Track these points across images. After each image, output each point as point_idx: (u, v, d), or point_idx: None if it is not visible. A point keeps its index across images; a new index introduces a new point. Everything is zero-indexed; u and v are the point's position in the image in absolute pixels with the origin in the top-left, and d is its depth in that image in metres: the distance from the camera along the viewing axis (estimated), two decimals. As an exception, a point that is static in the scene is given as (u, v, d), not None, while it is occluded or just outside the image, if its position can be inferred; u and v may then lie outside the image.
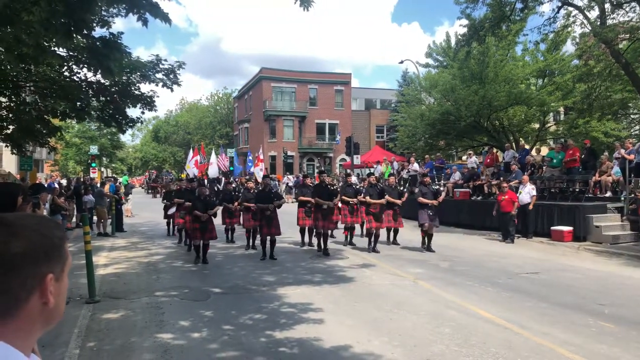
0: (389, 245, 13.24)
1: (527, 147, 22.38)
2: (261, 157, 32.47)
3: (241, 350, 5.40)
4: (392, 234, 13.59)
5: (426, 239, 12.34)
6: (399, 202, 12.72)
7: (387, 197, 12.29)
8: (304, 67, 64.93)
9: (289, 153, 45.71)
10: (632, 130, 27.44)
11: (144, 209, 24.52)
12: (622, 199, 14.14)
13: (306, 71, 51.43)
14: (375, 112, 52.48)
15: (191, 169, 30.60)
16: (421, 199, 12.37)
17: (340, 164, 46.88)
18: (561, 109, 27.73)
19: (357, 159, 25.22)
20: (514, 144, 24.32)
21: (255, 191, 13.01)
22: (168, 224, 16.28)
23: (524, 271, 9.72)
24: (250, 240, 12.83)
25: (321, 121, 50.03)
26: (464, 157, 29.73)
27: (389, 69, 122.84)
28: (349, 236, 13.51)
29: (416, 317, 6.56)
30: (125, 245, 13.99)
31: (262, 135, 48.39)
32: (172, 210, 14.70)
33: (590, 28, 17.41)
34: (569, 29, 21.61)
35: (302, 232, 13.31)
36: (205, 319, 6.60)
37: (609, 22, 16.77)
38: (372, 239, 12.11)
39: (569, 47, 25.55)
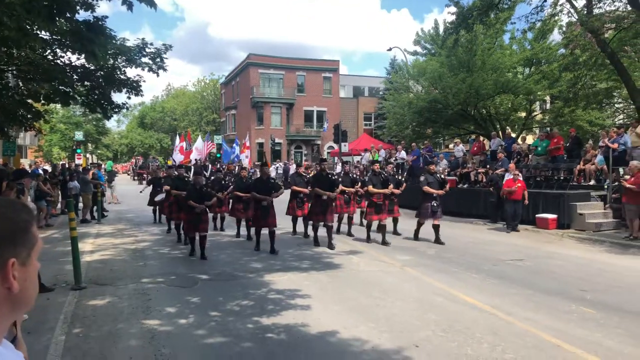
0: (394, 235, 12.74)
1: (513, 135, 22.56)
2: (247, 144, 32.37)
3: (228, 336, 5.41)
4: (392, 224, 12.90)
5: (432, 230, 11.55)
6: (397, 191, 11.83)
7: (391, 186, 11.51)
8: (293, 54, 64.37)
9: (277, 140, 45.54)
10: (616, 120, 27.71)
11: (130, 196, 24.33)
12: (606, 187, 14.33)
13: (294, 57, 51.11)
14: (363, 99, 52.42)
15: (176, 155, 30.34)
16: (427, 188, 11.46)
17: (328, 152, 46.80)
18: (547, 98, 27.88)
19: (345, 147, 25.20)
20: (500, 132, 24.47)
21: (250, 180, 12.66)
22: (154, 211, 16.02)
23: (509, 258, 9.84)
24: (244, 230, 12.49)
25: (309, 108, 49.89)
26: (451, 146, 29.88)
27: (377, 56, 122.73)
28: (347, 226, 13.10)
29: (403, 304, 6.62)
30: (111, 232, 13.90)
31: (250, 122, 48.16)
32: (160, 196, 14.22)
33: (577, 17, 17.45)
34: (556, 17, 21.63)
35: (294, 220, 13.05)
36: (192, 306, 6.60)
37: (596, 11, 16.83)
38: (381, 231, 11.36)
39: (555, 36, 25.64)
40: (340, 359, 4.82)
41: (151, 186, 16.17)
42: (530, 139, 25.57)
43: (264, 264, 9.26)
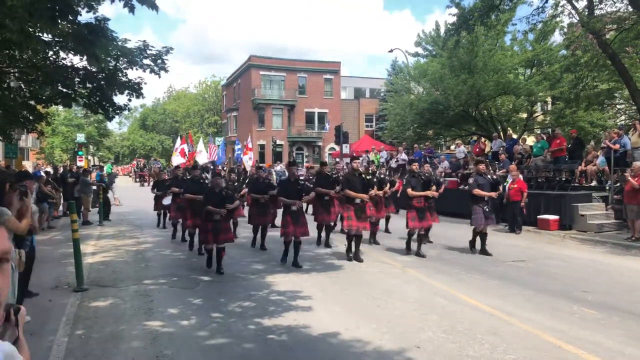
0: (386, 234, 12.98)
1: (514, 136, 22.55)
2: (250, 145, 32.36)
3: (230, 337, 5.43)
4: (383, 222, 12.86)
5: (478, 239, 10.41)
6: (436, 193, 10.39)
7: (433, 188, 10.29)
8: (294, 56, 64.47)
9: (278, 142, 45.57)
10: (618, 120, 27.68)
11: (132, 198, 24.36)
12: (607, 188, 14.32)
13: (295, 59, 51.22)
14: (364, 101, 52.45)
15: (177, 157, 30.27)
16: (477, 191, 10.16)
17: (329, 153, 46.83)
18: (549, 99, 27.91)
19: (346, 148, 25.19)
20: (501, 133, 24.49)
21: (266, 181, 11.90)
22: (159, 214, 15.01)
23: (510, 259, 9.83)
24: (259, 239, 11.13)
25: (310, 110, 49.93)
26: (452, 147, 29.86)
27: (379, 58, 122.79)
28: (369, 233, 11.35)
29: (404, 305, 6.63)
30: (113, 233, 13.93)
31: (251, 123, 48.21)
32: (167, 201, 13.16)
33: (578, 18, 17.46)
34: (557, 19, 21.66)
35: (320, 228, 11.67)
36: (194, 307, 6.62)
37: (597, 12, 16.84)
38: (418, 240, 10.12)
39: (557, 37, 25.66)
40: (342, 358, 4.82)
41: (156, 189, 14.99)
42: (530, 140, 25.56)
43: (265, 266, 9.27)
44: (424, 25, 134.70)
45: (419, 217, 9.87)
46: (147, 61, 13.35)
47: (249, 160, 29.93)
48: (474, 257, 10.02)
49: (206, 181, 11.64)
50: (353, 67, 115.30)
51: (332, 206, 11.15)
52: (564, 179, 15.12)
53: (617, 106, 27.25)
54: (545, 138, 17.68)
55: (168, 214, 13.77)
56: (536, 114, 28.24)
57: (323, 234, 11.55)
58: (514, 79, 24.44)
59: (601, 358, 4.76)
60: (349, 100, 52.63)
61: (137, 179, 43.80)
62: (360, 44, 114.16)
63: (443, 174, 18.57)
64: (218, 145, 36.43)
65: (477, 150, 20.21)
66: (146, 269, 9.06)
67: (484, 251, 10.23)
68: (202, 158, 29.47)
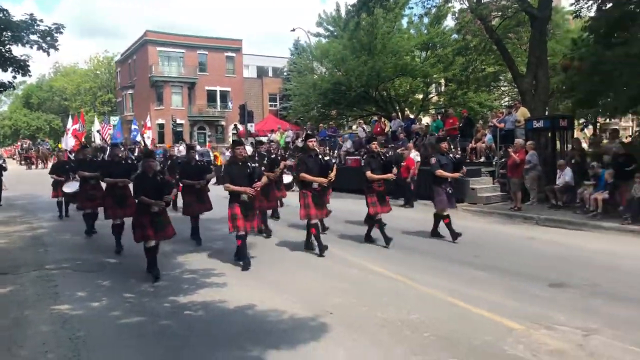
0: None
1: (412, 116, 23.75)
2: (148, 124, 31.15)
3: (145, 315, 5.42)
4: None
5: (438, 221, 9.78)
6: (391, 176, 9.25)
7: (394, 170, 9.43)
8: (194, 32, 62.30)
9: (178, 121, 44.14)
10: (502, 102, 30.05)
11: (19, 182, 22.59)
12: (494, 163, 15.63)
13: (195, 35, 49.59)
14: (267, 80, 52.16)
15: (68, 139, 28.42)
16: (441, 172, 9.40)
17: (233, 133, 46.26)
18: (442, 81, 29.52)
19: (251, 128, 25.11)
20: (400, 113, 25.65)
21: (203, 163, 10.78)
22: (60, 204, 12.81)
23: (409, 230, 10.47)
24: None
25: (212, 88, 48.81)
26: (354, 127, 30.81)
27: (281, 37, 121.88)
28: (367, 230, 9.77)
29: (317, 275, 6.96)
30: (3, 220, 12.94)
31: (149, 102, 46.25)
32: (70, 187, 11.46)
33: (467, 4, 18.66)
34: (450, 4, 23.00)
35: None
36: (104, 289, 6.48)
37: (484, -1, 18.12)
38: (381, 228, 8.96)
39: (449, 22, 27.14)
40: (259, 329, 5.02)
41: (55, 174, 12.75)
42: (426, 120, 27.02)
43: (175, 246, 9.12)
44: (325, 5, 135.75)
45: (379, 202, 8.97)
46: (34, 37, 12.44)
47: (147, 139, 28.84)
48: (377, 231, 10.52)
49: (129, 162, 9.93)
50: (256, 45, 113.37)
51: (271, 190, 10.05)
52: (457, 155, 16.27)
53: (502, 88, 29.60)
54: (439, 118, 18.84)
55: (76, 203, 12.04)
56: (431, 95, 29.80)
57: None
58: (410, 61, 25.57)
59: (486, 310, 5.39)
60: (252, 78, 52.08)
61: (23, 162, 40.53)
62: (262, 22, 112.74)
63: (346, 152, 19.20)
64: (114, 125, 34.68)
65: (378, 129, 21.06)
66: (46, 254, 8.63)
67: (453, 234, 9.36)
68: (96, 139, 27.96)
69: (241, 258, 7.58)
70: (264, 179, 7.90)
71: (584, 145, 19.58)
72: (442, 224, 9.69)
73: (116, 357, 4.42)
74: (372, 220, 9.27)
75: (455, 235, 9.33)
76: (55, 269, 7.48)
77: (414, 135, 18.15)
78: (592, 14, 15.89)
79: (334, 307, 5.58)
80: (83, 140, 26.66)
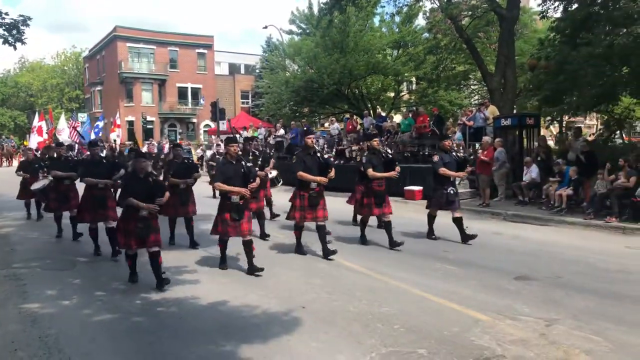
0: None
1: (383, 114, 23.98)
2: (118, 122, 30.55)
3: (117, 313, 5.40)
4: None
5: (431, 221, 9.30)
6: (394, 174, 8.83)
7: (398, 168, 8.93)
8: (164, 28, 61.44)
9: (149, 118, 43.55)
10: (472, 100, 30.58)
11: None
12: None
13: (165, 32, 48.92)
14: (240, 77, 51.83)
15: (34, 137, 27.54)
16: (444, 171, 8.83)
17: (204, 130, 45.84)
18: (413, 79, 29.85)
19: (223, 125, 24.95)
20: (371, 111, 25.86)
21: (190, 162, 9.87)
22: (27, 204, 12.21)
23: (379, 226, 10.55)
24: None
25: (183, 85, 48.26)
26: (326, 124, 30.87)
27: (253, 34, 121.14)
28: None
29: (289, 272, 7.01)
30: (-35, 218, 12.61)
31: (118, 98, 45.45)
32: (38, 185, 10.74)
33: (438, 4, 18.94)
34: (421, 3, 23.30)
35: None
36: (74, 287, 6.42)
37: (454, -1, 18.42)
38: (387, 229, 8.56)
39: (420, 21, 27.48)
40: (232, 324, 5.06)
41: (22, 171, 12.08)
42: (397, 118, 27.31)
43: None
44: (298, 2, 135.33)
45: (376, 203, 8.50)
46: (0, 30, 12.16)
47: (117, 138, 28.32)
48: (348, 227, 10.64)
49: (112, 161, 9.54)
50: (227, 42, 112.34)
51: (261, 189, 9.24)
52: (427, 153, 16.52)
53: (472, 86, 30.12)
54: (410, 115, 19.09)
55: (43, 204, 11.13)
56: (402, 93, 30.12)
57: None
58: (382, 59, 25.78)
59: (457, 303, 5.54)
60: (224, 75, 51.68)
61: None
62: (234, 19, 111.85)
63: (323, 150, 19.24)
64: (82, 122, 33.95)
65: (350, 127, 21.21)
66: (13, 253, 8.46)
67: (465, 237, 8.85)
68: (64, 137, 27.29)
69: (221, 262, 7.35)
70: (258, 180, 7.40)
71: (551, 142, 20.15)
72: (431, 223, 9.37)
73: (88, 354, 4.39)
74: (363, 224, 9.02)
75: (466, 237, 8.78)
76: (23, 268, 7.35)
77: (386, 133, 18.34)
78: (558, 14, 16.35)
79: (307, 302, 5.65)
80: (52, 138, 25.98)
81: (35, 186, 10.83)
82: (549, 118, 23.25)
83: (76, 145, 23.09)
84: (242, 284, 6.49)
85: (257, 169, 8.40)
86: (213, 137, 28.12)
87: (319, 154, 8.12)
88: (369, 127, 19.70)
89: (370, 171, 8.45)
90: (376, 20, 27.85)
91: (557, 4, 15.85)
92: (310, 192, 7.76)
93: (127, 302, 5.77)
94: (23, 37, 12.26)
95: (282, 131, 22.34)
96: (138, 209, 6.24)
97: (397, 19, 26.08)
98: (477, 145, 14.93)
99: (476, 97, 30.37)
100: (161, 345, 4.59)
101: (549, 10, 16.40)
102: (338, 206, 13.90)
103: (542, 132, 21.59)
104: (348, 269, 7.17)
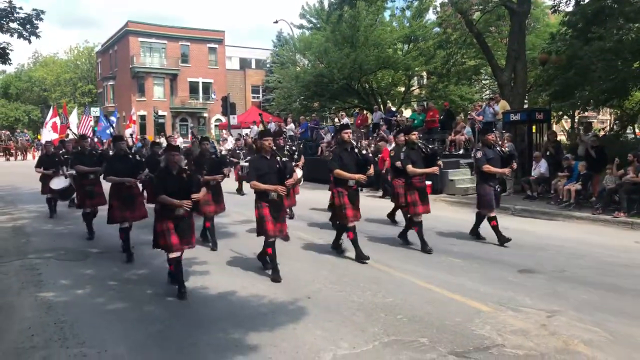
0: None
1: (393, 109, 24.02)
2: (134, 117, 30.61)
3: (129, 302, 5.57)
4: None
5: (480, 221, 8.65)
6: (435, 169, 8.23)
7: (440, 163, 8.33)
8: (175, 23, 61.75)
9: (160, 113, 43.93)
10: (483, 95, 30.47)
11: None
12: (472, 155, 15.96)
13: (177, 26, 49.21)
14: (250, 72, 52.01)
15: (46, 133, 27.60)
16: (488, 167, 8.20)
17: (215, 125, 46.14)
18: (424, 74, 29.81)
19: (233, 119, 25.13)
20: (381, 105, 25.89)
21: (215, 156, 9.01)
22: (49, 201, 11.55)
23: (388, 220, 10.66)
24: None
25: (194, 80, 48.56)
26: (336, 119, 30.95)
27: (264, 28, 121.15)
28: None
29: (296, 264, 7.14)
30: (-18, 210, 12.90)
31: (130, 93, 45.86)
32: (59, 183, 10.44)
33: (448, -2, 18.89)
34: (431, -3, 23.31)
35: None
36: (87, 277, 6.60)
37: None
38: (419, 230, 7.96)
39: (431, 16, 27.40)
40: (240, 313, 5.21)
41: (42, 167, 11.65)
42: (407, 113, 27.29)
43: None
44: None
45: (421, 200, 8.00)
46: (14, 25, 12.36)
47: (132, 134, 28.40)
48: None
49: (137, 157, 8.89)
50: (238, 36, 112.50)
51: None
52: (436, 147, 16.57)
53: (483, 81, 30.01)
54: (422, 110, 19.10)
55: (70, 200, 11.46)
56: (413, 88, 30.10)
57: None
58: (393, 54, 25.78)
59: (461, 295, 5.64)
60: (235, 70, 51.89)
61: (1, 153, 39.95)
62: (245, 14, 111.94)
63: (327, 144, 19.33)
64: (95, 117, 34.16)
65: (360, 121, 21.28)
66: (28, 244, 8.68)
67: (501, 239, 8.21)
68: (74, 129, 27.45)
69: (268, 266, 6.66)
70: (296, 176, 6.86)
71: (562, 137, 20.07)
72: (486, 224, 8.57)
73: (102, 339, 4.56)
74: (411, 222, 8.26)
75: (503, 240, 8.18)
76: (38, 258, 7.56)
77: (395, 128, 18.38)
78: (570, 8, 16.27)
79: (312, 292, 5.79)
80: (67, 131, 26.10)
81: (56, 186, 10.63)
82: (560, 112, 23.16)
83: (89, 140, 23.29)
84: (250, 275, 6.63)
85: (294, 163, 7.97)
86: (224, 131, 28.26)
87: (356, 150, 7.50)
88: (379, 121, 19.76)
89: (409, 167, 7.92)
90: (386, 14, 27.86)
91: (569, -3, 15.78)
92: (349, 191, 7.28)
93: (138, 291, 5.94)
94: (37, 31, 12.44)
95: (292, 126, 22.46)
96: (173, 208, 5.81)
97: (408, 13, 26.10)
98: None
99: (487, 92, 30.25)
100: (172, 332, 4.75)
101: (560, 4, 16.34)
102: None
103: (554, 127, 21.52)
104: (353, 260, 7.27)
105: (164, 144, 16.10)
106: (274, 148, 6.72)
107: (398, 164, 8.52)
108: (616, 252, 7.82)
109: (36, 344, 4.48)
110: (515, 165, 8.85)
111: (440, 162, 8.32)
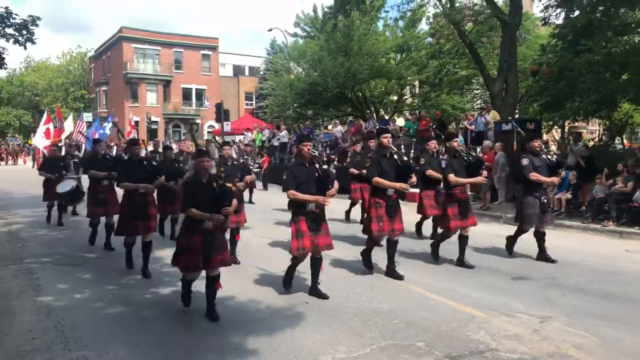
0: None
1: (386, 117, 24.22)
2: (132, 122, 30.49)
3: (129, 306, 5.63)
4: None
5: (518, 235, 8.12)
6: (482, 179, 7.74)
7: (484, 173, 7.92)
8: (169, 30, 61.74)
9: (153, 118, 43.89)
10: (474, 104, 30.79)
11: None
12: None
13: (171, 33, 49.29)
14: (244, 79, 52.17)
15: (38, 139, 27.19)
16: (536, 176, 7.58)
17: (208, 131, 46.14)
18: (416, 83, 30.08)
19: (227, 126, 25.18)
20: (374, 114, 26.10)
21: (236, 163, 8.06)
22: (50, 206, 11.19)
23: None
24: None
25: (187, 86, 48.62)
26: (329, 127, 31.13)
27: (258, 36, 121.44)
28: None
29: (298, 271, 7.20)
30: (-25, 215, 12.87)
31: (123, 99, 45.82)
32: (64, 187, 10.09)
33: (441, 9, 19.16)
34: (424, 8, 23.60)
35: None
36: (86, 281, 6.65)
37: (458, 4, 18.64)
38: (461, 245, 7.58)
39: (423, 26, 27.72)
40: (239, 318, 5.29)
41: (44, 170, 11.16)
42: (400, 121, 27.54)
43: (154, 242, 9.26)
44: (303, 5, 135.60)
45: (461, 214, 7.41)
46: (10, 30, 12.39)
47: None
48: (350, 227, 10.81)
49: (153, 163, 8.34)
50: (232, 43, 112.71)
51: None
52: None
53: (474, 91, 30.35)
54: (412, 119, 19.31)
55: (72, 206, 11.31)
56: (405, 97, 30.37)
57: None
58: (386, 63, 26.04)
59: (456, 301, 5.77)
60: (228, 77, 52.01)
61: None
62: (239, 21, 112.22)
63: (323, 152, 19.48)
64: (87, 122, 34.01)
65: (354, 130, 21.44)
66: (24, 249, 8.71)
67: (543, 256, 7.80)
68: (65, 135, 27.30)
69: (315, 292, 6.02)
70: (337, 185, 6.04)
71: (553, 147, 20.34)
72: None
73: (103, 343, 4.61)
74: (445, 235, 7.68)
75: (545, 257, 7.75)
76: (34, 263, 7.59)
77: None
78: (560, 21, 16.56)
79: (309, 297, 5.89)
80: (61, 137, 25.91)
81: (62, 188, 10.19)
82: (551, 123, 23.47)
83: (82, 145, 23.25)
84: (248, 280, 6.70)
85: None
86: (217, 137, 28.26)
87: (396, 156, 6.82)
88: (372, 129, 19.92)
89: (452, 177, 7.27)
90: (380, 24, 28.15)
91: (558, 10, 16.07)
92: (387, 200, 6.72)
93: (138, 296, 6.00)
94: (33, 37, 12.49)
95: (284, 133, 22.57)
96: (201, 221, 5.28)
97: (401, 23, 26.38)
98: (478, 149, 15.11)
99: (479, 102, 30.58)
100: (172, 336, 4.82)
101: (550, 17, 16.62)
102: (340, 207, 14.11)
103: (545, 136, 21.81)
104: (350, 267, 7.37)
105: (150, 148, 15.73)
106: (315, 154, 6.12)
107: (429, 172, 8.14)
108: (606, 260, 8.00)
109: (38, 346, 4.54)
110: (563, 173, 8.28)
111: (485, 172, 7.73)
